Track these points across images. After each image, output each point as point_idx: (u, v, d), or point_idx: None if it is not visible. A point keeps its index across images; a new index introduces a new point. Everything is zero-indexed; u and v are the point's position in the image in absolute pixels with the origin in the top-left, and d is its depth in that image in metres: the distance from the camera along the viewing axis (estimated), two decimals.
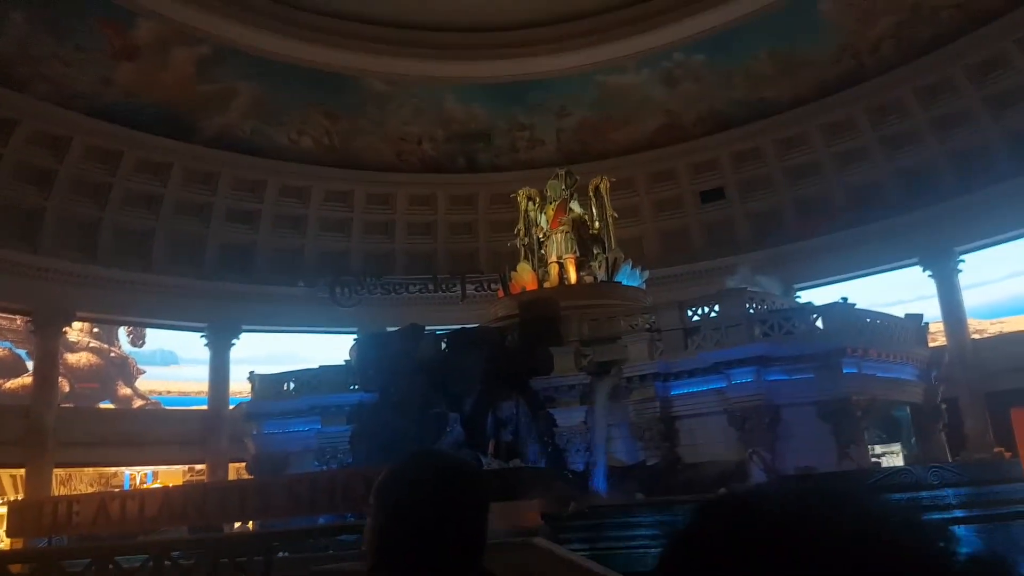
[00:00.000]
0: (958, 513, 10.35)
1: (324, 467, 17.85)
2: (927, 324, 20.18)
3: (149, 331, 28.21)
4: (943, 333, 23.95)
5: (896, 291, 25.61)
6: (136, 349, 28.10)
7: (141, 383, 27.82)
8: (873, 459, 17.64)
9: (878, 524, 0.66)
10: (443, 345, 19.92)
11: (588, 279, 22.67)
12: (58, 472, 24.51)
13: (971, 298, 24.73)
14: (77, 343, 26.90)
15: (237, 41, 25.90)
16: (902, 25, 24.93)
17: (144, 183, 26.91)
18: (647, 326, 18.62)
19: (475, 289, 29.69)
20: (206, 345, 27.87)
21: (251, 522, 15.28)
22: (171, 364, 28.62)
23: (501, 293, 24.00)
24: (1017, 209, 22.79)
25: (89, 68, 24.70)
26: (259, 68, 26.87)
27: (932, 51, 24.50)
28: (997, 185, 23.30)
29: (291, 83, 27.51)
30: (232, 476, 24.99)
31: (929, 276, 25.14)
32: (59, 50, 23.88)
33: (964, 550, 0.65)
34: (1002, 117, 24.01)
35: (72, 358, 26.64)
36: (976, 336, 24.50)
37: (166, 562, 7.76)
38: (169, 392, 28.22)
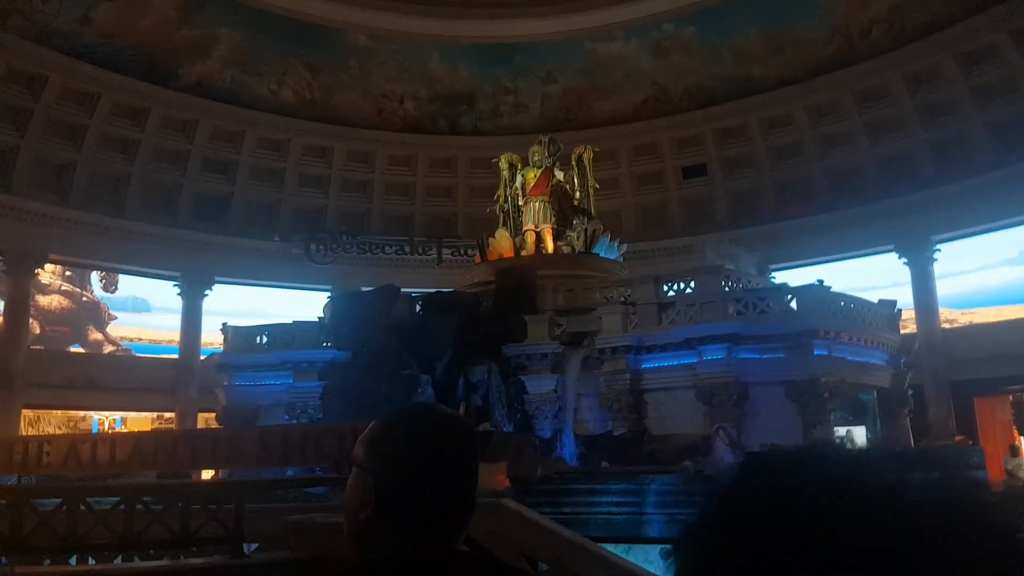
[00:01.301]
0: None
1: (294, 421, 17.85)
2: (900, 311, 20.46)
3: (122, 277, 27.86)
4: (915, 320, 24.32)
5: (871, 276, 25.92)
6: (108, 295, 27.77)
7: (112, 329, 27.55)
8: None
9: (933, 491, 0.66)
10: (417, 308, 19.92)
11: (565, 249, 22.69)
12: (26, 413, 24.34)
13: (944, 287, 25.09)
14: (49, 285, 26.55)
15: None
16: (895, 9, 24.92)
17: (121, 127, 26.39)
18: (622, 299, 18.73)
19: (452, 254, 29.60)
20: (179, 294, 27.61)
21: (217, 471, 15.30)
22: (143, 311, 28.35)
23: (478, 259, 23.95)
24: (995, 202, 23.05)
25: (67, 6, 24.03)
26: (241, 15, 26.32)
27: (923, 37, 24.52)
28: (977, 177, 23.51)
29: (273, 33, 27.00)
30: (201, 426, 24.92)
31: (904, 263, 25.43)
32: None
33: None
34: (986, 109, 24.17)
35: (43, 300, 26.30)
36: (946, 325, 24.89)
37: (138, 506, 7.75)
38: (140, 339, 27.97)
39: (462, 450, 1.61)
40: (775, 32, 26.66)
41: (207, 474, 15.98)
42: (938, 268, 25.11)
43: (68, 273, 27.11)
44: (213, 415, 21.57)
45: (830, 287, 17.90)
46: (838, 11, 25.69)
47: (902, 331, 20.64)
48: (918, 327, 24.01)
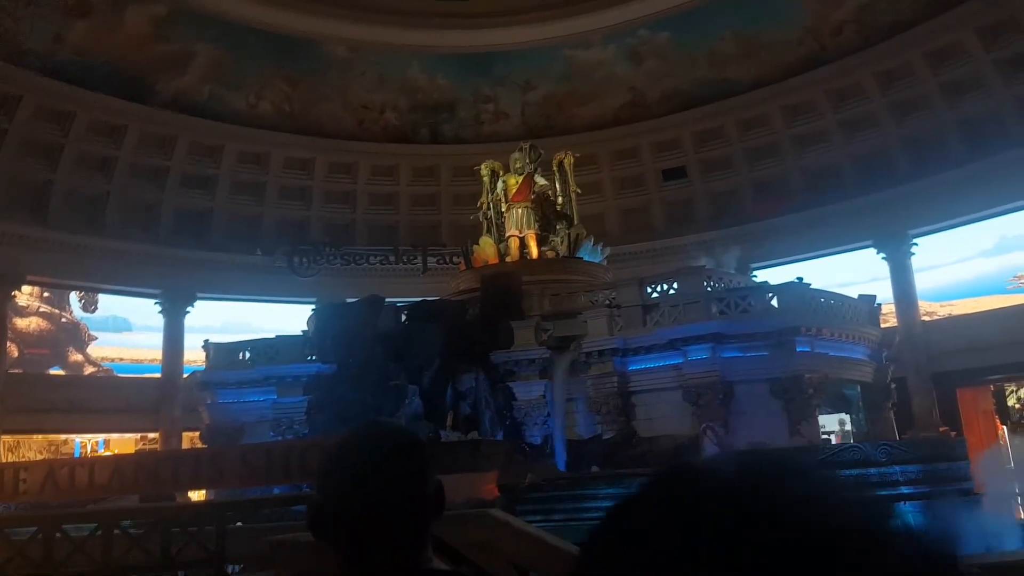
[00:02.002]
0: (904, 489, 10.68)
1: (280, 438, 17.72)
2: (879, 305, 20.64)
3: (102, 297, 27.62)
4: (895, 314, 24.51)
5: (851, 272, 26.14)
6: (88, 315, 27.50)
7: (93, 349, 27.27)
8: (824, 436, 18.08)
9: (825, 500, 0.65)
10: (403, 317, 19.87)
11: (550, 254, 22.74)
12: (6, 439, 24.00)
13: (923, 281, 25.33)
14: (27, 307, 26.25)
15: (195, 1, 25.22)
16: (865, 9, 25.21)
17: (98, 145, 26.18)
18: (607, 302, 18.79)
19: (437, 262, 29.54)
20: (160, 312, 27.35)
21: (204, 492, 15.16)
22: (124, 331, 28.08)
23: (463, 266, 23.95)
24: (969, 195, 23.32)
25: (40, 24, 23.85)
26: (218, 30, 26.22)
27: (892, 36, 24.82)
28: (950, 171, 23.79)
29: (251, 47, 26.91)
30: (186, 445, 24.71)
31: (883, 258, 25.65)
32: (9, 4, 23.02)
33: (907, 527, 0.65)
34: (957, 104, 24.47)
35: (22, 323, 26.00)
36: (926, 318, 25.12)
37: (116, 531, 7.65)
38: (122, 359, 27.71)
39: (392, 468, 1.54)
40: (748, 35, 26.89)
41: (194, 495, 15.84)
42: (916, 262, 25.35)
43: (46, 294, 26.83)
44: (198, 434, 21.40)
45: (810, 284, 18.05)
46: (809, 12, 25.94)
47: (883, 325, 20.84)
48: (898, 321, 24.22)
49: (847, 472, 10.05)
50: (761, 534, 0.61)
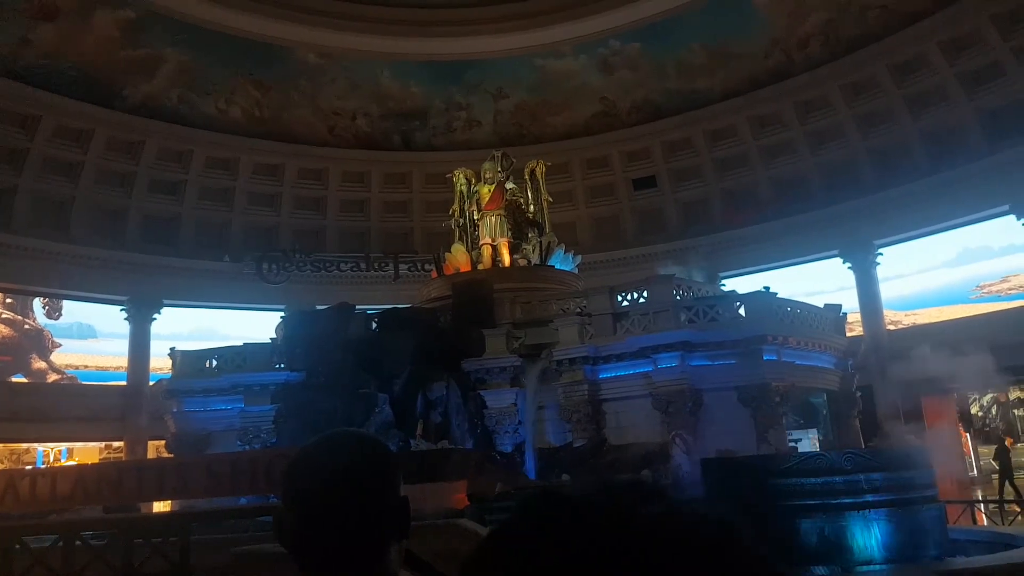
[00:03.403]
0: (869, 497, 10.80)
1: (247, 447, 17.53)
2: (845, 314, 20.90)
3: (66, 303, 27.14)
4: (860, 323, 24.84)
5: (818, 282, 26.47)
6: (52, 321, 27.00)
7: (57, 357, 26.78)
8: (790, 443, 18.24)
9: (676, 518, 0.69)
10: (373, 325, 19.76)
11: (522, 262, 22.76)
12: None
13: (888, 290, 25.73)
14: None
15: (164, 5, 24.98)
16: (830, 23, 25.64)
17: (64, 150, 25.80)
18: (578, 310, 18.83)
19: (408, 269, 29.47)
20: (126, 319, 26.99)
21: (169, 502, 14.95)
22: (89, 338, 27.61)
23: (435, 274, 23.89)
24: (932, 205, 23.77)
25: (5, 27, 23.49)
26: (187, 35, 25.99)
27: (858, 49, 25.26)
28: (914, 182, 24.25)
29: (220, 52, 26.71)
30: (152, 454, 24.36)
31: (849, 268, 26.02)
32: None
33: (742, 543, 0.70)
34: (921, 117, 24.94)
35: None
36: (891, 327, 25.49)
37: (77, 543, 7.51)
38: (86, 367, 27.22)
39: (353, 479, 1.51)
40: (718, 47, 27.22)
41: (158, 506, 15.62)
42: (881, 272, 25.75)
43: (9, 300, 26.31)
44: (163, 443, 21.10)
45: (777, 293, 18.22)
46: (777, 25, 26.32)
47: (849, 334, 21.08)
48: (864, 329, 24.56)
49: (812, 480, 10.17)
50: (618, 551, 0.65)
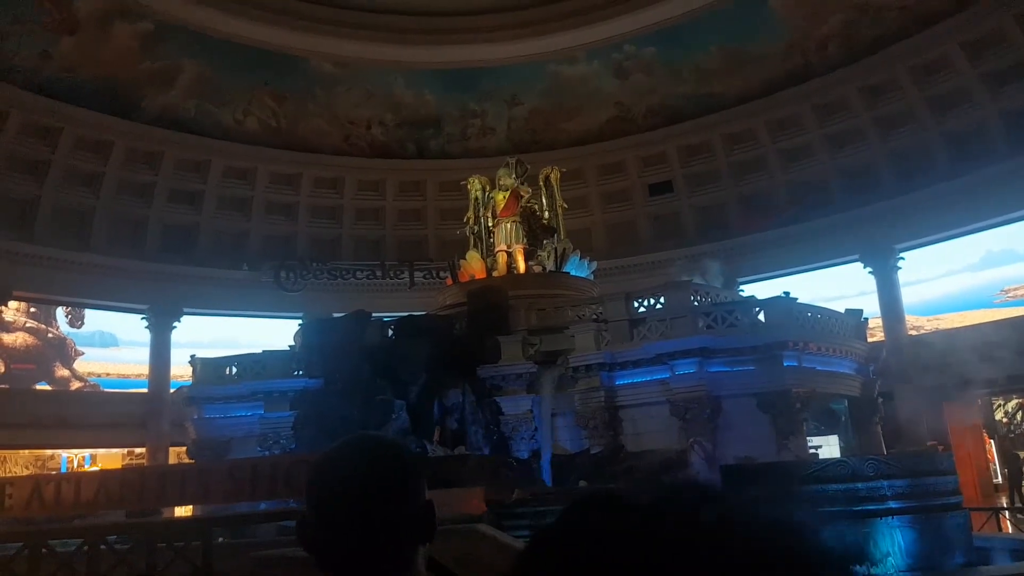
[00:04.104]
0: (892, 504, 10.69)
1: (267, 453, 17.60)
2: (866, 319, 20.70)
3: (88, 312, 27.46)
4: (882, 329, 24.60)
5: (839, 286, 26.24)
6: (75, 330, 27.32)
7: (79, 365, 27.07)
8: (811, 450, 18.09)
9: (741, 523, 0.65)
10: (390, 332, 19.82)
11: (537, 269, 22.76)
12: None
13: (909, 295, 25.44)
14: (13, 323, 26.05)
15: (181, 17, 25.27)
16: (849, 25, 25.45)
17: (84, 161, 26.12)
18: (594, 316, 18.79)
19: (423, 277, 29.55)
20: (147, 327, 27.24)
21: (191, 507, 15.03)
22: (111, 346, 27.90)
23: (450, 281, 23.93)
24: (954, 210, 23.48)
25: (27, 41, 23.84)
26: (204, 46, 26.26)
27: (877, 51, 25.05)
28: (936, 185, 23.95)
29: (237, 62, 26.95)
30: (173, 460, 24.52)
31: (870, 273, 25.77)
32: None
33: (823, 548, 0.65)
34: (942, 119, 24.67)
35: (8, 338, 25.81)
36: (913, 332, 25.22)
37: (102, 547, 7.59)
38: (108, 374, 27.51)
39: (375, 483, 1.51)
40: (734, 50, 27.11)
41: (179, 511, 15.70)
42: (903, 276, 25.47)
43: (33, 309, 26.65)
44: (184, 449, 21.24)
45: (797, 299, 18.08)
46: (794, 27, 26.17)
47: (870, 339, 20.89)
48: (885, 335, 24.32)
49: (834, 487, 10.07)
50: (676, 560, 0.60)
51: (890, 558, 9.65)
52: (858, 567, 0.66)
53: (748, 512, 0.66)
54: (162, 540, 7.91)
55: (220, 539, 9.55)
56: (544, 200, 23.84)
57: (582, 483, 15.96)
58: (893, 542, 9.90)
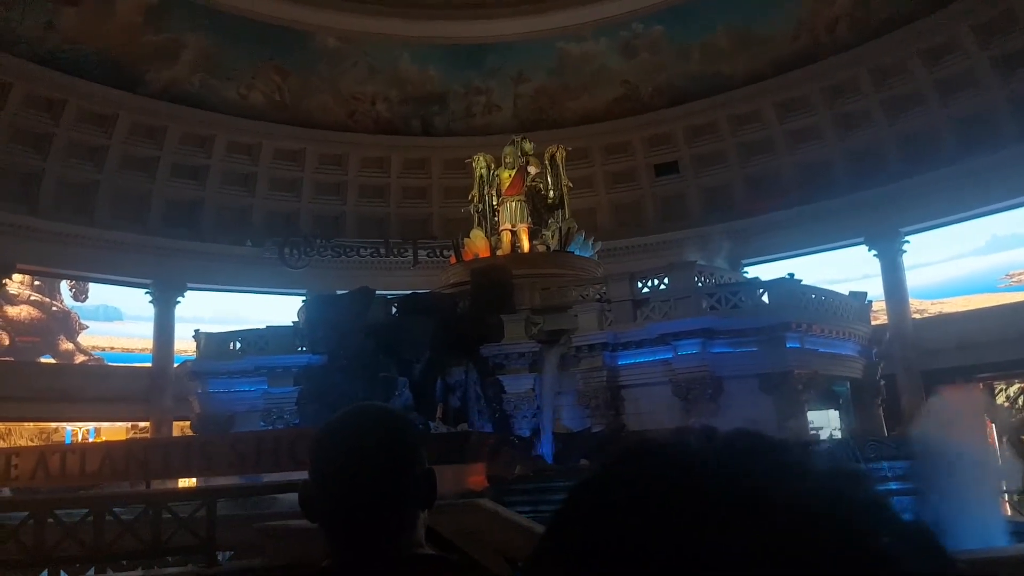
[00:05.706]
0: (892, 486, 10.75)
1: (270, 428, 17.71)
2: (870, 302, 20.70)
3: (92, 286, 27.51)
4: (885, 311, 24.59)
5: (842, 269, 26.21)
6: (79, 304, 27.39)
7: (84, 338, 27.17)
8: (812, 430, 18.15)
9: (804, 481, 0.59)
10: (393, 310, 19.85)
11: (541, 248, 22.73)
12: None
13: (914, 278, 25.40)
14: (17, 296, 26.11)
15: None
16: (859, 5, 25.23)
17: (88, 134, 26.04)
18: (598, 296, 18.80)
19: (427, 255, 29.53)
20: (151, 302, 27.30)
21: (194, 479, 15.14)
22: (115, 320, 27.98)
23: (453, 259, 23.92)
24: (961, 193, 23.38)
25: (30, 12, 23.69)
26: (208, 20, 26.09)
27: (887, 33, 24.84)
28: (943, 169, 23.83)
29: (241, 37, 26.79)
30: (176, 434, 24.64)
31: (874, 255, 25.72)
32: None
33: (895, 516, 0.59)
34: (950, 102, 24.52)
35: (12, 311, 25.89)
36: (917, 315, 25.20)
37: (107, 517, 7.65)
38: (112, 348, 27.61)
39: (377, 451, 1.52)
40: (742, 29, 26.89)
41: (183, 483, 15.82)
42: (907, 259, 25.43)
43: (37, 283, 26.70)
44: (188, 423, 21.36)
45: (801, 280, 18.08)
46: (804, 7, 25.95)
47: (873, 322, 20.90)
48: (889, 318, 24.30)
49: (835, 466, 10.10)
50: (731, 516, 0.55)
51: None
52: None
53: (806, 462, 0.62)
54: (167, 511, 7.98)
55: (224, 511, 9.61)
56: (549, 179, 23.75)
57: (583, 461, 16.05)
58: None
